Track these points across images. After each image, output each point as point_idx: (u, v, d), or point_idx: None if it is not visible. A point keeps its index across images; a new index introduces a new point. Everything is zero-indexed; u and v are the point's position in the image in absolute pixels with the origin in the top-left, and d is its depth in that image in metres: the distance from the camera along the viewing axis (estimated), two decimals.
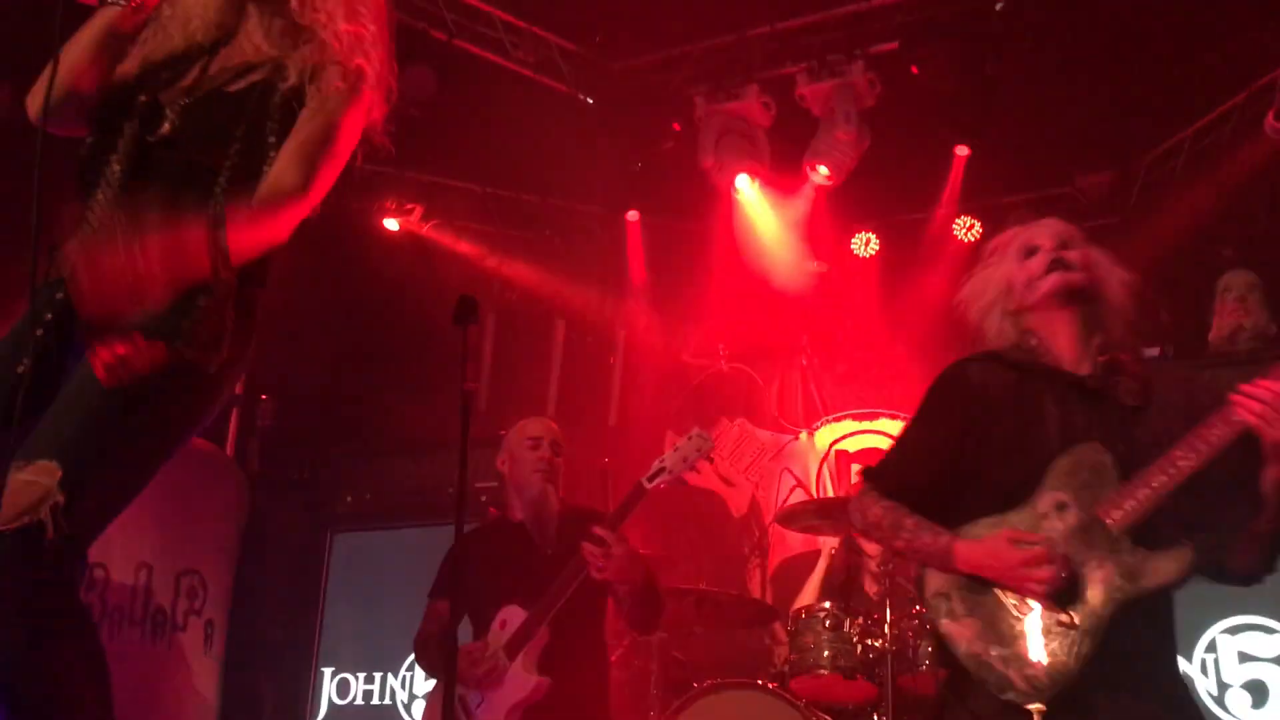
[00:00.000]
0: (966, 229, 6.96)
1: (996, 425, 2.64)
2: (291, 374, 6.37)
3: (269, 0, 2.36)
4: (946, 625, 2.56)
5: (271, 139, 2.23)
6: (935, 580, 2.60)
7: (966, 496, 2.63)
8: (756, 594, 7.02)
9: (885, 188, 6.86)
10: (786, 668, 5.13)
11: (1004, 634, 2.49)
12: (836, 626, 4.99)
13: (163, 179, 2.17)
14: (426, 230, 6.96)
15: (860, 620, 4.98)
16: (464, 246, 7.01)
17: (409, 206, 6.86)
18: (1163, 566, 2.45)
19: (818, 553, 6.77)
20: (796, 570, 7.14)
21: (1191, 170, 6.32)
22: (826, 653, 4.98)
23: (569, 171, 6.78)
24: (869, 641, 4.94)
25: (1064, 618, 2.44)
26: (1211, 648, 4.18)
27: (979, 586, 2.55)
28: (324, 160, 2.25)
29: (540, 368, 7.24)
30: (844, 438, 7.32)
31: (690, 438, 3.80)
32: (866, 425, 7.36)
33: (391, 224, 6.90)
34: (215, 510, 5.58)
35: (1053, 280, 2.67)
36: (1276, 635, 4.11)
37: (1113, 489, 2.50)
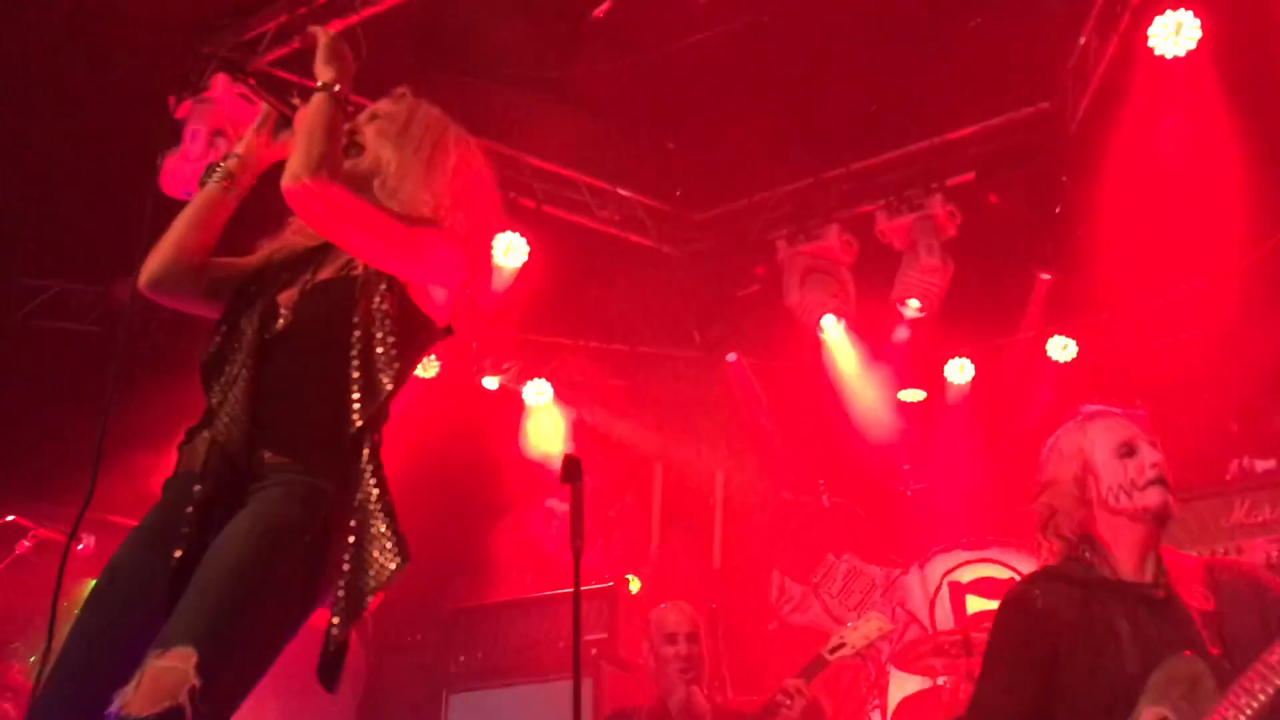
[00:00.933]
0: (1061, 349, 6.91)
1: (1072, 651, 2.58)
2: (407, 534, 6.52)
3: (371, 192, 2.48)
4: None
5: (379, 315, 2.33)
6: None
7: None
8: None
9: (976, 312, 6.88)
10: None
11: None
12: None
13: (281, 371, 2.30)
14: (524, 386, 7.14)
15: None
16: (561, 399, 7.17)
17: (506, 365, 7.07)
18: None
19: (937, 689, 6.59)
20: (916, 710, 6.94)
21: None
22: None
23: (658, 320, 6.96)
24: None
25: None
26: None
27: None
28: (370, 206, 2.35)
29: (641, 514, 7.29)
30: (956, 568, 7.16)
31: (869, 618, 4.01)
32: (979, 554, 7.21)
33: (490, 382, 7.09)
34: None
35: (1156, 499, 2.62)
36: None
37: (1212, 699, 2.41)
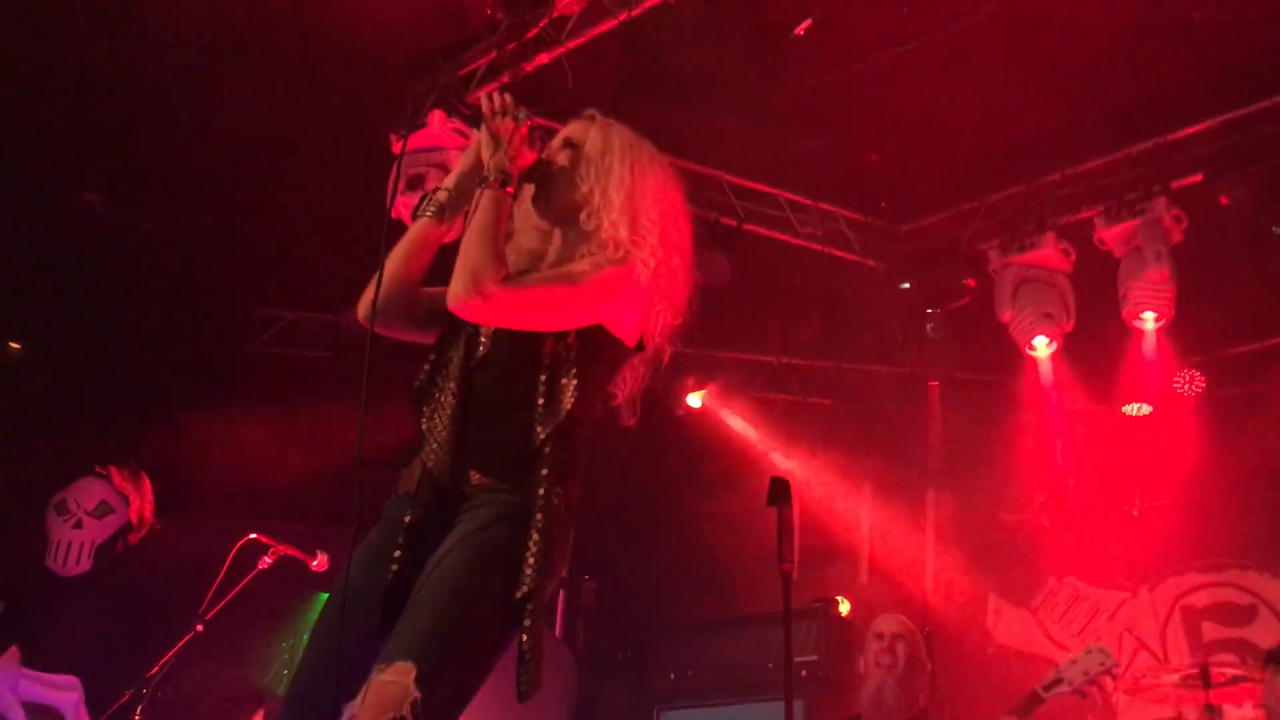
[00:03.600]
0: None
1: None
2: (611, 554, 6.63)
3: (570, 221, 2.56)
4: None
5: (569, 339, 2.41)
6: None
7: None
8: None
9: (1206, 322, 6.47)
10: None
11: None
12: None
13: (482, 397, 2.39)
14: (727, 405, 7.15)
15: None
16: (763, 419, 7.14)
17: (709, 384, 7.10)
18: None
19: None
20: None
21: None
22: None
23: (864, 337, 6.85)
24: None
25: None
26: None
27: None
28: (538, 288, 2.41)
29: (849, 537, 7.17)
30: (1190, 591, 6.77)
31: (1090, 651, 3.86)
32: (1215, 577, 6.78)
33: (694, 401, 7.14)
34: (551, 692, 5.79)
35: None
36: None
37: None
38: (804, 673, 5.47)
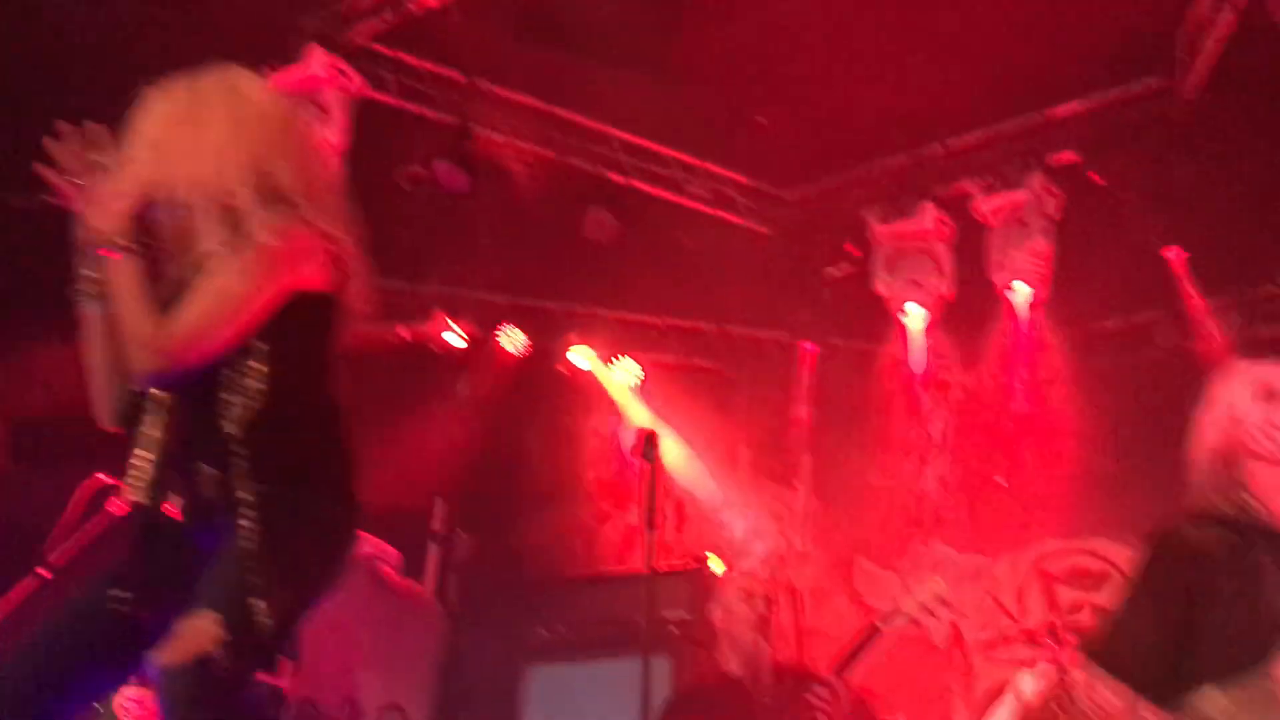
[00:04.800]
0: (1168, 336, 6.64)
1: (1219, 593, 2.54)
2: (488, 510, 6.57)
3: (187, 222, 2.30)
4: None
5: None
6: None
7: (1191, 666, 2.53)
8: None
9: (1076, 296, 6.65)
10: None
11: None
12: None
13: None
14: (608, 364, 7.12)
15: None
16: (645, 378, 7.13)
17: (590, 342, 7.06)
18: None
19: None
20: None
21: None
22: None
23: (747, 300, 6.87)
24: None
25: None
26: None
27: None
28: (204, 308, 2.20)
29: (725, 497, 7.23)
30: (1048, 557, 7.00)
31: (925, 582, 3.81)
32: (1072, 543, 7.02)
33: (574, 359, 7.09)
34: (417, 647, 5.74)
35: None
36: None
37: None
38: (676, 630, 5.49)
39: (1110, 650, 2.64)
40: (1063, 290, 6.42)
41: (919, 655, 6.79)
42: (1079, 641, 2.74)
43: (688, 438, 7.07)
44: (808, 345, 7.15)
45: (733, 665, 4.23)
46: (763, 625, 4.22)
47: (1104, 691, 2.57)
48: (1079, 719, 2.67)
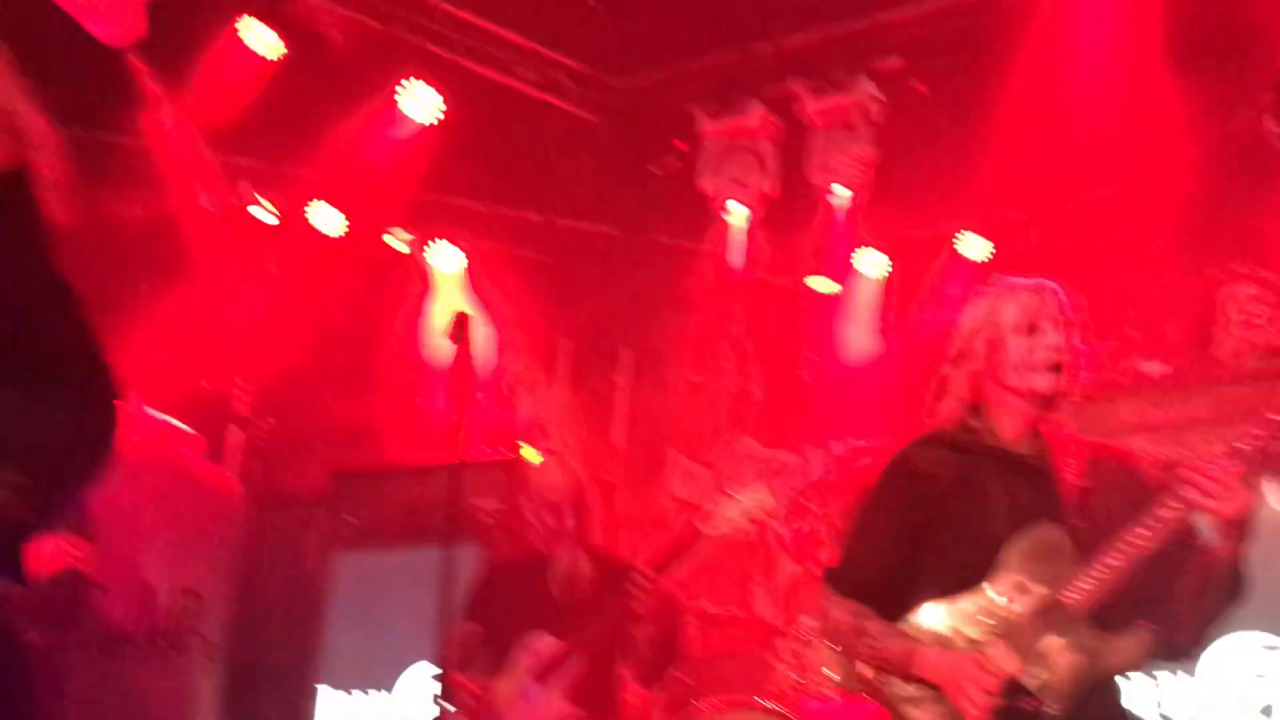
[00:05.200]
0: (972, 247, 6.88)
1: (945, 511, 2.64)
2: (294, 395, 6.36)
3: None
4: (909, 712, 2.56)
5: None
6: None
7: (921, 582, 2.63)
8: (761, 613, 6.97)
9: (895, 205, 6.79)
10: (790, 687, 5.10)
11: None
12: None
13: None
14: (428, 251, 6.92)
15: None
16: (467, 267, 6.96)
17: (411, 229, 6.83)
18: (1124, 647, 2.46)
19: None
20: (804, 589, 7.08)
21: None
22: (830, 671, 4.95)
23: (574, 191, 6.76)
24: None
25: (1029, 705, 2.43)
26: None
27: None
28: None
29: (544, 389, 7.20)
30: (849, 455, 7.26)
31: (749, 491, 3.89)
32: (873, 442, 7.30)
33: (396, 244, 6.87)
34: (216, 532, 5.56)
35: (1046, 384, 2.62)
36: None
37: (1070, 570, 2.49)
38: (487, 519, 5.48)
39: (843, 571, 2.73)
40: (881, 196, 6.55)
41: (725, 546, 6.99)
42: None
43: (507, 327, 6.99)
44: (633, 240, 7.12)
45: (554, 562, 4.21)
46: (576, 539, 4.19)
47: (836, 612, 2.67)
48: (818, 640, 2.78)
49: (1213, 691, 4.59)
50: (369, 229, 6.74)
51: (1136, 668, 2.49)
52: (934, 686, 2.52)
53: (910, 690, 2.55)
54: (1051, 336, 2.64)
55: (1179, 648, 2.58)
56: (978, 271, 6.74)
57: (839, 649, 2.80)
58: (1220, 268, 5.54)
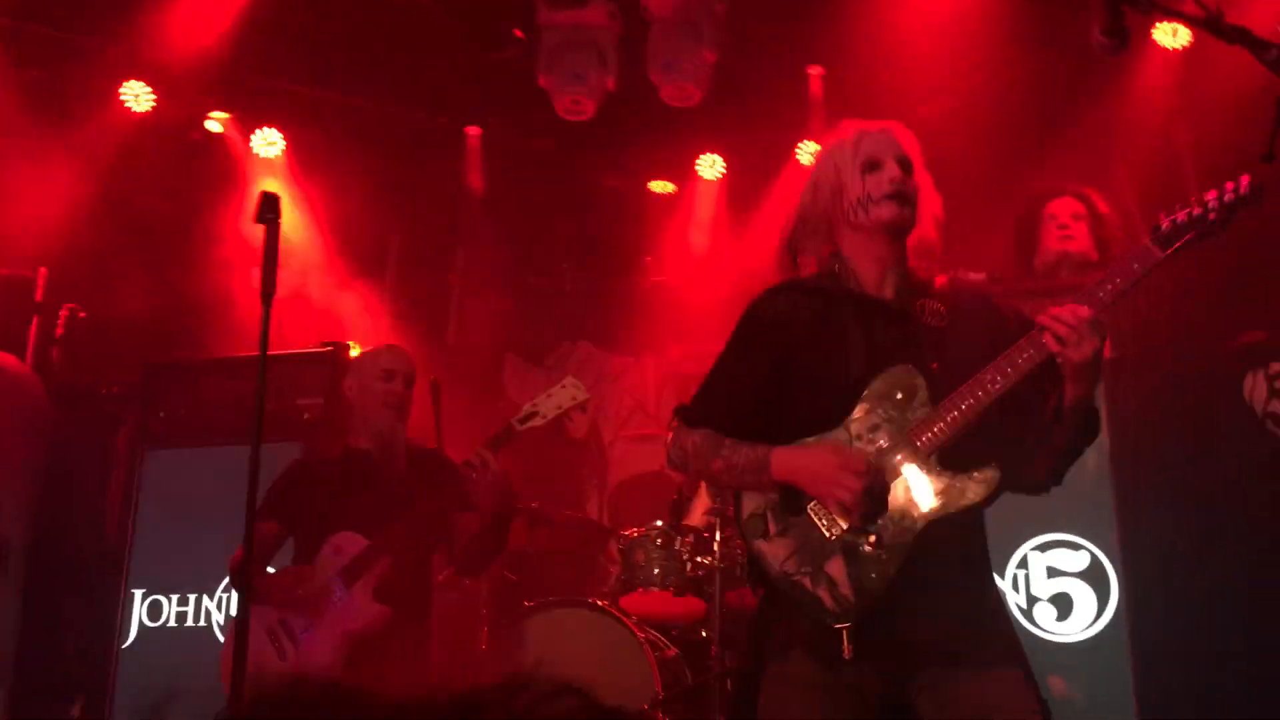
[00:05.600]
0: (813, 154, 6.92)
1: (803, 353, 2.64)
2: (102, 284, 6.01)
3: None
4: (760, 545, 2.57)
5: None
6: (751, 502, 2.62)
7: (778, 427, 2.63)
8: (595, 515, 7.04)
9: (736, 108, 6.75)
10: (618, 586, 5.16)
11: (814, 554, 2.51)
12: (667, 544, 5.05)
13: None
14: (245, 134, 6.55)
15: (690, 539, 5.03)
16: (290, 153, 6.63)
17: (226, 110, 6.46)
18: (970, 488, 2.49)
19: (656, 473, 6.80)
20: (635, 491, 7.17)
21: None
22: (656, 570, 5.04)
23: (403, 77, 6.47)
24: (698, 559, 4.99)
25: (870, 541, 2.46)
26: (1023, 564, 4.32)
27: (793, 506, 2.56)
28: None
29: (374, 282, 6.98)
30: (684, 360, 7.32)
31: (564, 385, 3.83)
32: (709, 347, 7.36)
33: (213, 126, 6.49)
34: (13, 428, 5.25)
35: (889, 212, 2.63)
36: (1082, 551, 4.27)
37: (923, 411, 2.52)
38: (307, 416, 5.31)
39: (694, 406, 2.73)
40: (719, 97, 6.49)
41: (557, 446, 6.99)
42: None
43: (332, 220, 6.73)
44: (470, 131, 6.89)
45: (363, 442, 4.13)
46: (400, 406, 4.11)
47: (691, 437, 2.66)
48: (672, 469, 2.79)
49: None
50: (185, 110, 6.34)
51: (983, 507, 2.53)
52: (796, 495, 2.54)
53: (767, 525, 2.56)
54: (892, 170, 2.65)
55: (1031, 484, 2.65)
56: None
57: (692, 472, 2.76)
58: (1043, 181, 5.69)
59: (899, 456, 2.51)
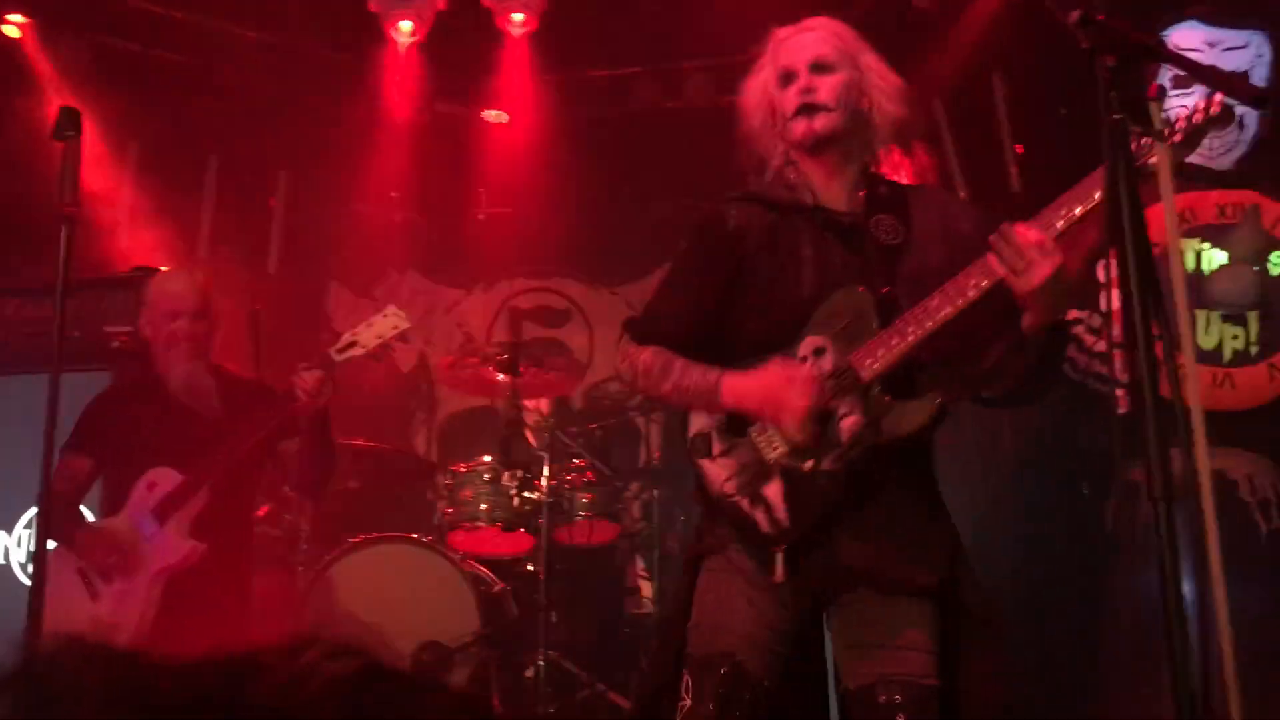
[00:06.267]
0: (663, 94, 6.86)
1: (753, 270, 2.54)
2: None
3: None
4: (704, 464, 2.52)
5: None
6: (697, 421, 2.56)
7: (728, 345, 2.55)
8: (423, 449, 6.95)
9: (570, 40, 6.64)
10: (446, 522, 5.12)
11: (754, 476, 2.46)
12: (495, 480, 5.04)
13: None
14: (39, 42, 6.09)
15: (519, 473, 5.03)
16: (92, 68, 6.19)
17: (24, 13, 5.99)
18: (910, 416, 2.41)
19: (486, 408, 6.76)
20: (464, 425, 7.11)
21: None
22: (484, 505, 5.02)
23: None
24: (526, 494, 4.99)
25: (808, 465, 2.42)
26: None
27: (737, 427, 2.50)
28: None
29: (190, 206, 6.64)
30: (517, 294, 7.27)
31: (385, 314, 3.70)
32: (541, 283, 7.33)
33: (9, 30, 6.03)
34: None
35: (800, 129, 2.52)
36: None
37: (868, 335, 2.42)
38: (116, 344, 5.04)
39: (642, 321, 2.64)
40: (556, 29, 6.39)
41: (384, 379, 6.86)
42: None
43: (146, 143, 6.36)
44: (292, 52, 6.58)
45: (174, 374, 3.93)
46: (194, 347, 3.90)
47: (643, 354, 2.56)
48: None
49: None
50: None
51: (925, 435, 2.46)
52: (741, 416, 2.48)
53: (711, 445, 2.51)
54: (803, 80, 2.53)
55: (985, 402, 2.59)
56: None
57: (640, 391, 2.66)
58: None
59: (841, 381, 2.41)
